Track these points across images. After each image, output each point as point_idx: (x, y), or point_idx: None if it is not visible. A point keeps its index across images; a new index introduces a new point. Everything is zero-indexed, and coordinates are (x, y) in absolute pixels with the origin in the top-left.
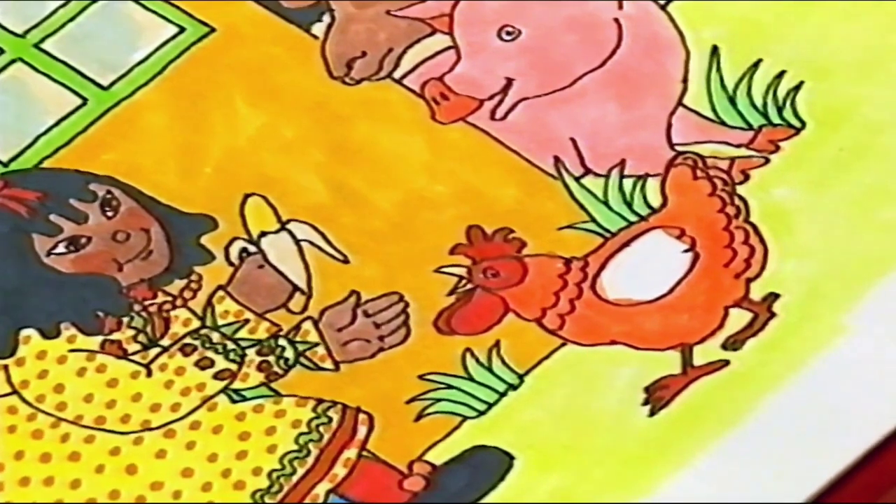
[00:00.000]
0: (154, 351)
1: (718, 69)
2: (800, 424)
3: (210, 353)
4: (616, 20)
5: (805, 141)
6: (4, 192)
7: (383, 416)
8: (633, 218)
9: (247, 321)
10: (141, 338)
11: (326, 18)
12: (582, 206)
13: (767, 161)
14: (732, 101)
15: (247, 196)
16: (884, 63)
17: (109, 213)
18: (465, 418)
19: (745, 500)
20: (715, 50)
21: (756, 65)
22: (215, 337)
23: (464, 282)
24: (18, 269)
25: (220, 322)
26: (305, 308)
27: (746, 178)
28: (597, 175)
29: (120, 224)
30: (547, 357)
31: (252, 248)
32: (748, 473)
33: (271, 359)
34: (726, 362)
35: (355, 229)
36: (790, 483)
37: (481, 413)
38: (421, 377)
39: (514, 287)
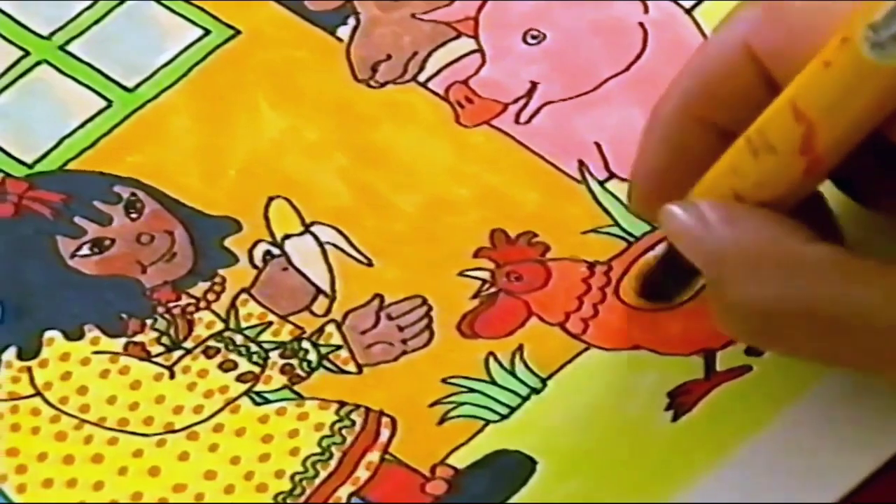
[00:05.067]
0: (177, 353)
1: None
2: (823, 429)
3: (233, 356)
4: (641, 24)
5: None
6: (29, 194)
7: (406, 419)
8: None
9: (270, 324)
10: (164, 340)
11: (351, 21)
12: (606, 211)
13: None
14: None
15: (271, 199)
16: None
17: (133, 216)
18: (488, 422)
19: (766, 499)
20: None
21: None
22: (239, 339)
23: (487, 285)
24: (42, 271)
25: (244, 324)
26: (329, 311)
27: None
28: (621, 179)
29: (144, 226)
30: (570, 361)
31: (276, 251)
32: (771, 478)
33: (294, 361)
34: (749, 367)
35: (379, 232)
36: (813, 487)
37: (504, 417)
38: (444, 381)
39: (538, 291)
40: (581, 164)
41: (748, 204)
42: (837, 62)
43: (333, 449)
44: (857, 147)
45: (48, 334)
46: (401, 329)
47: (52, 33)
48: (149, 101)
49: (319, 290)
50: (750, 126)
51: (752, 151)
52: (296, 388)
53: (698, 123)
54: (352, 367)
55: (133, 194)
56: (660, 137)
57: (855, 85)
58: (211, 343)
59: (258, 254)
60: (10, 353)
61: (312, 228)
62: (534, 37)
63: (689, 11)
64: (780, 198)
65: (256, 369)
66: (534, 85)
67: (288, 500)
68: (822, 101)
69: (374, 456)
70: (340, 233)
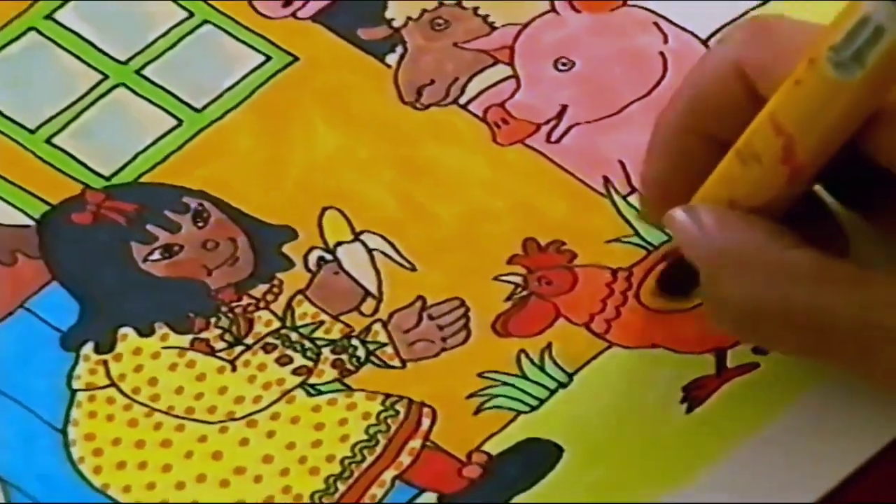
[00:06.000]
0: (239, 348)
1: None
2: (826, 419)
3: (289, 351)
4: (661, 53)
5: None
6: (106, 204)
7: (445, 409)
8: None
9: (322, 322)
10: (227, 336)
11: (399, 49)
12: (628, 222)
13: None
14: None
15: (324, 209)
16: None
17: (200, 224)
18: (519, 413)
19: (775, 489)
20: None
21: None
22: (294, 336)
23: (519, 289)
24: (118, 274)
25: (299, 323)
26: (376, 311)
27: None
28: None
29: (210, 234)
30: (594, 358)
31: (328, 257)
32: (778, 464)
33: (344, 357)
34: (757, 364)
35: (422, 240)
36: (816, 472)
37: (534, 408)
38: (480, 375)
39: (565, 294)
40: (605, 179)
41: (741, 209)
42: (807, 80)
43: (379, 436)
44: (838, 156)
45: (122, 331)
46: (441, 328)
47: (130, 59)
48: (215, 120)
49: (367, 293)
50: (739, 138)
51: (742, 161)
52: (345, 380)
53: (695, 135)
54: (396, 363)
55: (200, 204)
56: (661, 148)
57: (823, 100)
58: (269, 340)
59: (312, 259)
60: (88, 348)
61: (362, 236)
62: (564, 64)
63: (704, 42)
64: (768, 203)
65: (310, 363)
66: (563, 108)
67: (338, 483)
68: (797, 115)
69: (415, 443)
70: (387, 240)
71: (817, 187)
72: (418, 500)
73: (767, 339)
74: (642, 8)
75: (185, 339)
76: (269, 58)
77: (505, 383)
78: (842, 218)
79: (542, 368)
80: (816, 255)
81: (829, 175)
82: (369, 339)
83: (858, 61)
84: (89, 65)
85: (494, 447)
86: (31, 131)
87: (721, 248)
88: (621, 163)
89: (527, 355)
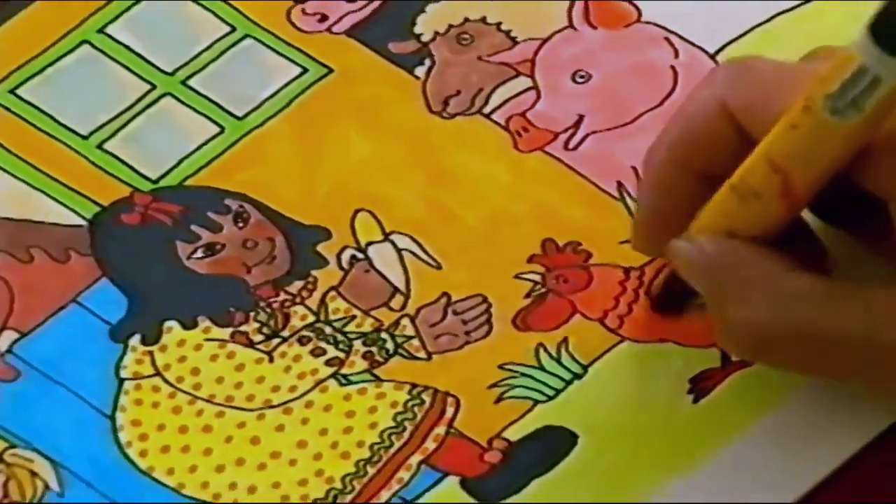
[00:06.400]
0: (276, 341)
1: None
2: (823, 408)
3: (323, 344)
4: (672, 67)
5: None
6: (153, 206)
7: (468, 398)
8: None
9: (354, 317)
10: (265, 329)
11: (427, 62)
12: None
13: None
14: None
15: (356, 211)
16: None
17: (240, 225)
18: (537, 402)
19: (775, 474)
20: None
21: None
22: (327, 330)
23: (538, 286)
24: (164, 271)
25: (332, 317)
26: (404, 306)
27: None
28: None
29: (249, 233)
30: (607, 351)
31: (360, 256)
32: (779, 451)
33: (374, 349)
34: None
35: (447, 241)
36: (814, 458)
37: (551, 398)
38: (500, 366)
39: (581, 292)
40: (619, 184)
41: (741, 238)
42: (803, 125)
43: (406, 423)
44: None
45: (167, 324)
46: (464, 323)
47: (176, 70)
48: (255, 128)
49: (396, 289)
50: (732, 174)
51: (739, 197)
52: (375, 371)
53: (683, 170)
54: (422, 354)
55: (241, 206)
56: (652, 183)
57: (820, 141)
58: (304, 333)
59: (345, 258)
60: (136, 340)
61: (391, 237)
62: (581, 77)
63: (712, 56)
64: (767, 232)
65: (342, 355)
66: (580, 117)
67: (367, 467)
68: (794, 155)
69: (440, 429)
70: (415, 240)
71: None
72: (442, 483)
73: (775, 360)
74: (654, 24)
75: (225, 332)
76: (305, 70)
77: (524, 374)
78: (825, 237)
79: (558, 361)
80: (816, 276)
81: (816, 198)
82: (398, 332)
83: (856, 107)
84: (138, 75)
85: (514, 434)
86: (84, 137)
87: (727, 277)
88: (634, 169)
89: (545, 348)
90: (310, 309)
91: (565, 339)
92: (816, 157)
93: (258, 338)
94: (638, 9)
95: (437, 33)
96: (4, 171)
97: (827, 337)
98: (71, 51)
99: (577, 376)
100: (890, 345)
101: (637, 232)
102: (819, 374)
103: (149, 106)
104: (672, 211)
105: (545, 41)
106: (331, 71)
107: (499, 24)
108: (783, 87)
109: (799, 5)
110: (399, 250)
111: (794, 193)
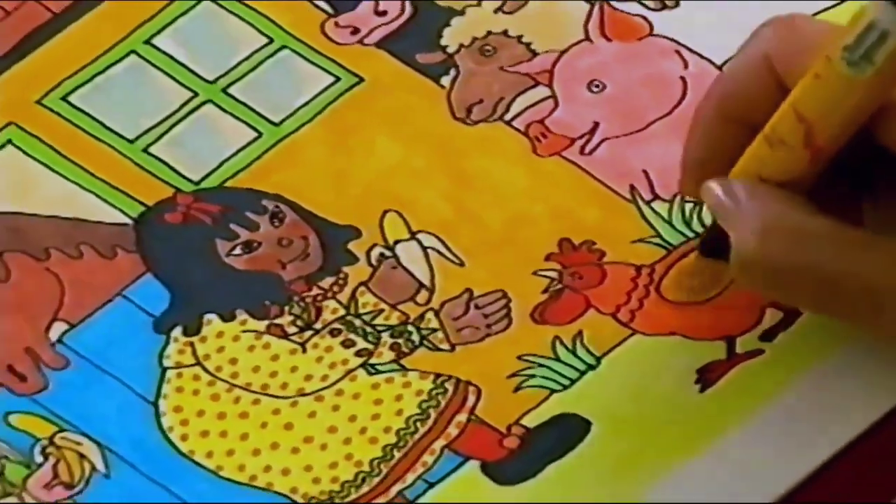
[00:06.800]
0: (308, 333)
1: None
2: (822, 398)
3: (352, 336)
4: (682, 78)
5: None
6: (194, 206)
7: (488, 387)
8: (691, 234)
9: (382, 310)
10: (298, 322)
11: (452, 72)
12: (650, 225)
13: None
14: None
15: (385, 212)
16: None
17: (276, 224)
18: (553, 391)
19: (777, 459)
20: None
21: None
22: (357, 323)
23: (555, 283)
24: (204, 267)
25: (361, 311)
26: (429, 301)
27: None
28: (663, 200)
29: (284, 232)
30: (619, 344)
31: (388, 253)
32: (779, 438)
33: (401, 341)
34: (762, 351)
35: (470, 239)
36: (814, 444)
37: (566, 387)
38: (519, 357)
39: (595, 288)
40: (632, 187)
41: (770, 184)
42: (824, 75)
43: (430, 410)
44: (852, 141)
45: (207, 316)
46: (485, 316)
47: (217, 79)
48: (290, 133)
49: (422, 285)
50: (766, 124)
51: (770, 144)
52: (401, 361)
53: (729, 120)
54: (446, 346)
55: (277, 206)
56: (700, 133)
57: (839, 93)
58: (335, 325)
59: (374, 255)
60: (178, 331)
61: (417, 235)
62: (596, 86)
63: (720, 67)
64: (793, 179)
65: (370, 346)
66: (596, 124)
67: (394, 451)
68: (816, 105)
69: (462, 416)
70: (439, 239)
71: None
72: (464, 467)
73: (788, 296)
74: (665, 38)
75: (261, 325)
76: (338, 79)
77: (541, 365)
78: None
79: (573, 352)
80: (833, 221)
81: (846, 161)
82: (423, 325)
83: (868, 60)
84: (181, 84)
85: (531, 421)
86: (131, 141)
87: (751, 216)
88: (645, 173)
89: (561, 341)
90: (341, 303)
91: (580, 332)
92: (835, 108)
93: (292, 330)
94: (650, 23)
95: (461, 45)
96: (57, 173)
97: (835, 278)
98: (119, 60)
99: (591, 367)
100: (891, 290)
101: (684, 176)
102: (826, 312)
103: (191, 112)
104: (716, 158)
105: (563, 53)
106: (362, 80)
107: (520, 37)
108: (820, 44)
109: None
110: (425, 248)
111: (816, 143)
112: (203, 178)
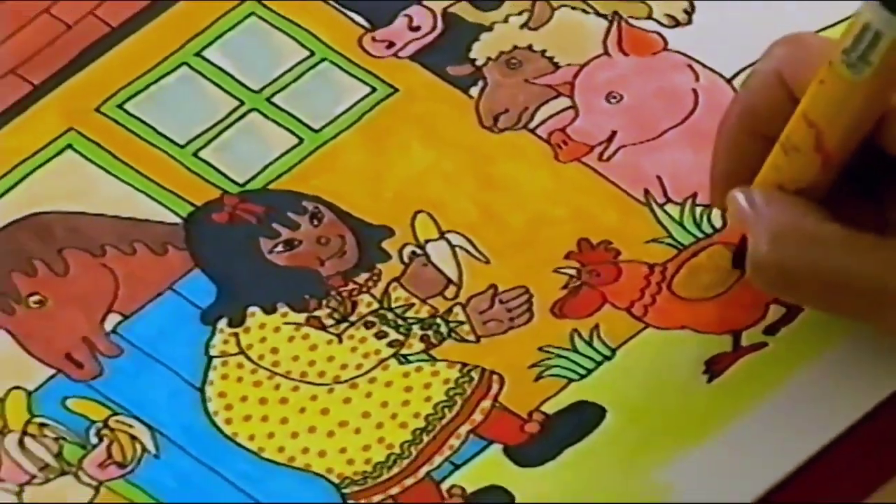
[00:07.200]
0: (344, 325)
1: None
2: (821, 387)
3: (385, 328)
4: (694, 90)
5: None
6: (240, 207)
7: (511, 376)
8: (701, 235)
9: (413, 304)
10: (335, 315)
11: (480, 84)
12: (663, 226)
13: None
14: None
15: (416, 213)
16: None
17: (315, 223)
18: (571, 380)
19: (779, 445)
20: None
21: None
22: (389, 316)
23: (574, 279)
24: (248, 263)
25: (394, 305)
26: (456, 296)
27: None
28: (675, 203)
29: (323, 231)
30: (633, 337)
31: (419, 251)
32: (781, 426)
33: (430, 333)
34: (766, 344)
35: (495, 239)
36: (815, 431)
37: (583, 377)
38: (540, 349)
39: (611, 284)
40: (646, 191)
41: (787, 192)
42: (827, 80)
43: (457, 397)
44: (860, 151)
45: (251, 309)
46: (509, 311)
47: (261, 88)
48: (330, 139)
49: (450, 281)
50: (782, 133)
51: (785, 152)
52: (430, 352)
53: (749, 134)
54: (472, 338)
55: (316, 207)
56: (723, 148)
57: (841, 96)
58: (369, 318)
59: (406, 253)
60: (223, 323)
61: (447, 235)
62: (614, 97)
63: (729, 80)
64: (809, 186)
65: (402, 338)
66: (613, 133)
67: (423, 435)
68: (823, 110)
69: (486, 403)
70: (467, 239)
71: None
72: (487, 450)
73: (798, 296)
74: (679, 53)
75: (301, 317)
76: (374, 89)
77: (560, 356)
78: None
79: (590, 344)
80: (844, 228)
81: (858, 170)
82: (451, 318)
83: (865, 61)
84: (229, 93)
85: (550, 408)
86: (181, 146)
87: (764, 220)
88: (659, 178)
89: (578, 334)
90: (374, 297)
91: (597, 326)
92: (840, 111)
93: (329, 322)
94: (664, 39)
95: (489, 58)
96: (113, 175)
97: (843, 280)
98: (171, 71)
99: (607, 358)
100: (892, 293)
101: (713, 189)
102: (837, 313)
103: (238, 119)
104: (740, 170)
105: (583, 66)
106: (396, 90)
107: (543, 51)
108: (825, 54)
109: None
110: (453, 247)
111: (826, 148)
112: (248, 181)
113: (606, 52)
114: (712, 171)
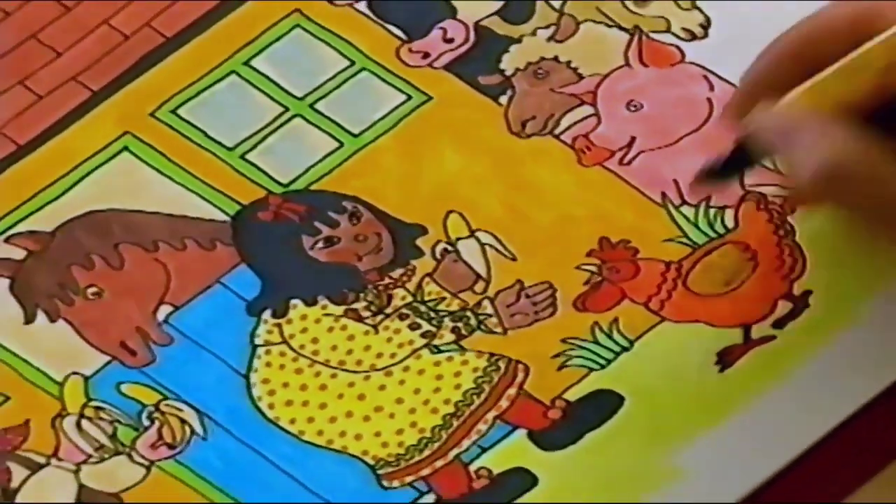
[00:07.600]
0: (380, 316)
1: None
2: (826, 378)
3: (418, 319)
4: (708, 99)
5: None
6: (284, 206)
7: (535, 366)
8: (714, 235)
9: (444, 298)
10: (371, 307)
11: (509, 92)
12: (679, 226)
13: None
14: None
15: (448, 212)
16: None
17: (354, 222)
18: (592, 370)
19: (787, 431)
20: None
21: None
22: (422, 308)
23: (595, 276)
24: (291, 259)
25: (426, 298)
26: (485, 290)
27: (794, 210)
28: (690, 205)
29: (361, 229)
30: (650, 329)
31: (450, 248)
32: (787, 413)
33: (460, 325)
34: (774, 337)
35: (522, 237)
36: (818, 420)
37: (603, 367)
38: (562, 340)
39: (630, 281)
40: (663, 194)
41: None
42: None
43: (484, 385)
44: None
45: (293, 301)
46: (534, 304)
47: (305, 96)
48: (368, 143)
49: (479, 276)
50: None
51: (845, 74)
52: (460, 343)
53: (794, 57)
54: (499, 330)
55: (355, 207)
56: (770, 58)
57: None
58: (403, 310)
59: (438, 250)
60: (267, 314)
61: (476, 234)
62: (634, 106)
63: None
64: (859, 103)
65: (434, 329)
66: (633, 139)
67: (452, 420)
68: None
69: (512, 391)
70: (495, 237)
71: None
72: (513, 435)
73: (830, 197)
74: (695, 64)
75: (339, 309)
76: (410, 97)
77: (582, 347)
78: None
79: (610, 336)
80: (878, 138)
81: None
82: (479, 311)
83: None
84: (274, 100)
85: (572, 396)
86: (230, 149)
87: (801, 128)
88: (675, 181)
89: (599, 326)
90: (409, 291)
91: (616, 319)
92: None
93: (366, 314)
94: (682, 51)
95: (517, 69)
96: (166, 176)
97: (870, 183)
98: (221, 79)
99: (626, 349)
100: None
101: (734, 99)
102: (863, 212)
103: (282, 125)
104: (771, 84)
105: (606, 77)
106: (430, 98)
107: (568, 62)
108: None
109: None
110: (482, 245)
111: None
112: (291, 182)
113: (627, 64)
114: (746, 73)
